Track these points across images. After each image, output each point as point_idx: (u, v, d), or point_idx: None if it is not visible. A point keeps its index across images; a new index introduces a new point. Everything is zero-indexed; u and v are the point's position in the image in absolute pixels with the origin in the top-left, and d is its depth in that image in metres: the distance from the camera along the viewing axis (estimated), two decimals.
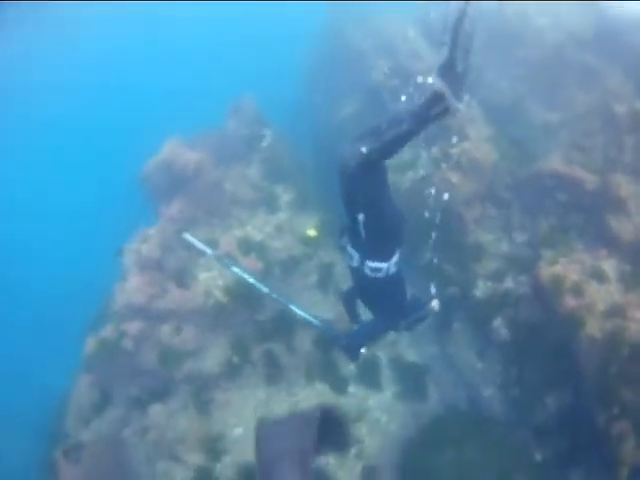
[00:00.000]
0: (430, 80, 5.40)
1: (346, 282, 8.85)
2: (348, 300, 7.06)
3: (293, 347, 9.78)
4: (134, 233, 10.39)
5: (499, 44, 10.91)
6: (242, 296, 9.62)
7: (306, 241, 10.54)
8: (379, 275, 5.81)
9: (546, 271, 8.67)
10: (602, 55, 10.28)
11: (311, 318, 7.32)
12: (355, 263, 5.83)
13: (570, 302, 8.27)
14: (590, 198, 9.05)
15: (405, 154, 10.15)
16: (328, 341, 7.90)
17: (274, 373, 9.60)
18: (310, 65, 15.28)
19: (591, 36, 10.49)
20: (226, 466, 8.88)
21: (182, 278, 9.80)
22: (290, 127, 13.40)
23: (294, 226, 10.84)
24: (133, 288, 9.58)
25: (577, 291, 8.34)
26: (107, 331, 9.55)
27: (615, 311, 8.13)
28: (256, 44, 18.32)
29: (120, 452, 9.53)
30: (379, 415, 9.60)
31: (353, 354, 6.92)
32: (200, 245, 7.56)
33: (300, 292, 10.24)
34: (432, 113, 4.75)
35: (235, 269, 7.45)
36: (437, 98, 4.82)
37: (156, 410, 9.29)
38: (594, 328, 8.08)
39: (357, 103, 12.38)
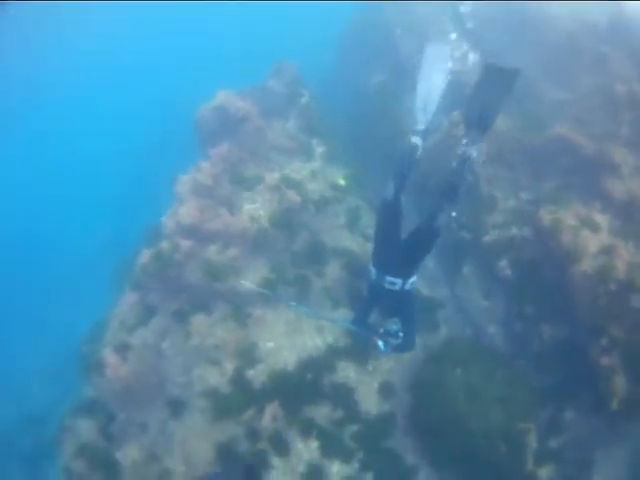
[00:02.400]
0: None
1: (370, 227, 11.01)
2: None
3: (323, 273, 11.46)
4: (188, 166, 12.06)
5: (518, 29, 12.84)
6: (281, 225, 11.34)
7: (336, 188, 12.28)
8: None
9: (547, 215, 10.50)
10: (614, 45, 11.99)
11: (357, 329, 9.79)
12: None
13: (567, 240, 10.10)
14: (588, 163, 10.87)
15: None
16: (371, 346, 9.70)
17: (304, 295, 11.21)
18: (347, 39, 17.10)
19: (606, 28, 12.19)
20: (259, 373, 10.38)
21: (230, 206, 11.46)
22: (325, 91, 15.16)
23: (326, 174, 12.58)
24: (187, 210, 11.20)
25: (573, 233, 10.15)
26: (162, 245, 11.10)
27: (605, 252, 9.94)
28: (299, 19, 20.52)
29: (159, 362, 10.97)
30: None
31: (409, 346, 9.33)
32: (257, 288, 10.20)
33: (330, 230, 12.00)
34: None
35: (292, 303, 10.19)
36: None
37: (198, 319, 10.79)
38: (586, 265, 9.90)
39: (384, 74, 14.31)
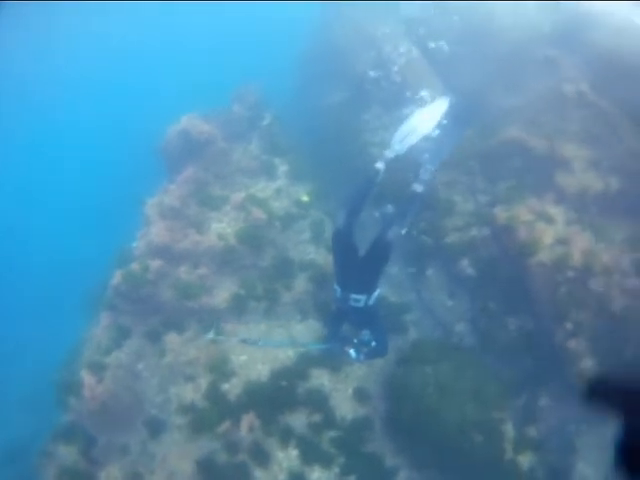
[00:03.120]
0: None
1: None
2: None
3: (292, 287, 11.99)
4: (156, 190, 12.76)
5: (469, 40, 13.52)
6: (248, 242, 11.91)
7: (300, 204, 12.86)
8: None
9: (502, 213, 11.12)
10: (563, 49, 12.65)
11: (328, 347, 10.30)
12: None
13: (522, 234, 10.68)
14: (540, 161, 11.52)
15: (385, 133, 12.93)
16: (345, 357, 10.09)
17: (274, 309, 11.78)
18: (305, 59, 17.72)
19: (554, 33, 12.89)
20: (234, 386, 10.85)
21: (198, 226, 12.08)
22: (288, 110, 15.76)
23: (290, 192, 13.17)
24: (156, 231, 11.83)
25: (528, 227, 10.75)
26: (133, 266, 11.64)
27: (561, 242, 10.57)
28: (258, 42, 21.40)
29: (135, 383, 11.41)
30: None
31: (382, 352, 9.86)
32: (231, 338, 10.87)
33: (295, 245, 12.57)
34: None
35: (261, 343, 10.79)
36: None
37: (172, 338, 11.31)
38: (543, 256, 10.48)
39: (343, 92, 14.86)
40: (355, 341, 9.70)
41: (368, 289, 9.39)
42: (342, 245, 9.40)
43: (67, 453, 11.39)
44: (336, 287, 9.51)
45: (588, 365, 10.26)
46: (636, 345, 10.28)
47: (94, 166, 20.37)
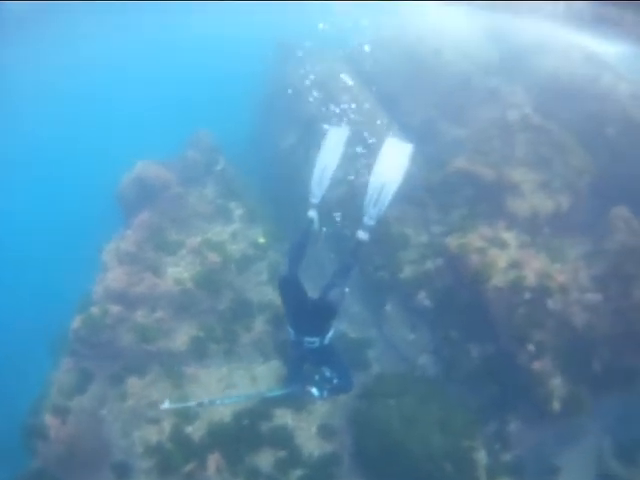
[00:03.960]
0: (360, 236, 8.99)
1: None
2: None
3: (251, 328, 12.23)
4: (112, 236, 13.09)
5: (415, 77, 14.30)
6: (205, 286, 12.18)
7: (257, 246, 13.19)
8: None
9: (454, 241, 11.51)
10: (505, 77, 13.61)
11: (286, 391, 10.06)
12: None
13: (474, 261, 11.05)
14: (490, 188, 12.02)
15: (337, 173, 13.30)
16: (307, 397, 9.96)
17: (234, 351, 11.97)
18: (258, 102, 18.44)
19: (496, 62, 13.83)
20: (197, 428, 10.96)
21: (154, 270, 12.33)
22: (242, 154, 16.30)
23: (246, 234, 13.52)
24: (113, 277, 12.09)
25: (480, 253, 11.12)
26: (92, 310, 11.79)
27: (514, 265, 10.92)
28: (211, 84, 22.13)
29: (99, 427, 11.41)
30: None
31: (348, 387, 9.70)
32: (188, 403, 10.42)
33: (253, 287, 12.82)
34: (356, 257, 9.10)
35: (218, 401, 10.50)
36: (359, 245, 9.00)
37: (133, 382, 11.39)
38: (498, 280, 10.81)
39: (296, 134, 15.36)
40: (317, 378, 9.72)
41: (320, 332, 9.45)
42: (290, 292, 9.49)
43: None
44: (290, 329, 9.62)
45: (557, 383, 10.55)
46: (602, 356, 10.64)
47: (51, 215, 20.75)
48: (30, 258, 19.59)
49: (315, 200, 9.47)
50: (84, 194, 18.29)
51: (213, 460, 10.52)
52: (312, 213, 9.44)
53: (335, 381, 9.54)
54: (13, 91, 22.88)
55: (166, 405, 10.01)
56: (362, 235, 8.91)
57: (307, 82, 14.91)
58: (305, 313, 9.00)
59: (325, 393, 9.61)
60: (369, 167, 12.70)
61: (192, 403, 10.12)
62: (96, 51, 23.29)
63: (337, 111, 13.78)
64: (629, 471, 11.13)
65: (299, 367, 10.07)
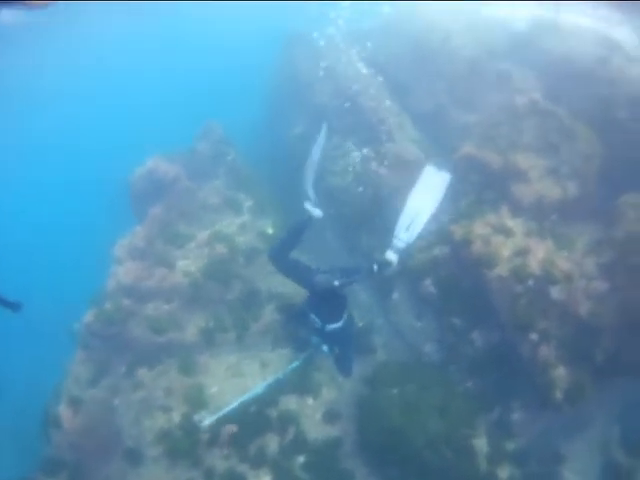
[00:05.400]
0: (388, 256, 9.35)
1: None
2: None
3: (259, 317, 12.97)
4: (122, 231, 13.89)
5: (424, 63, 14.46)
6: (214, 277, 12.95)
7: (265, 237, 13.82)
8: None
9: (459, 229, 11.79)
10: (516, 60, 13.54)
11: (303, 357, 11.01)
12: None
13: (478, 248, 11.30)
14: (497, 174, 12.19)
15: (346, 160, 13.81)
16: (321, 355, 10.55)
17: (244, 340, 12.73)
18: (269, 92, 19.00)
19: (505, 47, 13.72)
20: (203, 417, 11.59)
21: (164, 264, 13.13)
22: (251, 146, 16.97)
23: (255, 226, 14.19)
24: (124, 271, 12.97)
25: (484, 241, 11.37)
26: (104, 305, 12.75)
27: (519, 253, 11.13)
28: (223, 74, 22.83)
29: (112, 417, 12.39)
30: (336, 374, 12.22)
31: (347, 372, 10.40)
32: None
33: (262, 277, 13.43)
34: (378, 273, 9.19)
35: (246, 396, 11.20)
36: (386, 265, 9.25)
37: (143, 373, 12.29)
38: (501, 268, 11.04)
39: (305, 124, 15.86)
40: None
41: (338, 316, 9.86)
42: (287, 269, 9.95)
43: None
44: (314, 318, 9.59)
45: (561, 373, 10.79)
46: (607, 349, 10.80)
47: (67, 215, 21.81)
48: (47, 253, 20.76)
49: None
50: (97, 189, 19.17)
51: (227, 430, 11.47)
52: (308, 207, 9.84)
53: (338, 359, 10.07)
54: (19, 89, 23.85)
55: (206, 422, 10.94)
56: (391, 256, 9.34)
57: (317, 71, 15.26)
58: (319, 298, 9.36)
59: (332, 356, 9.98)
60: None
61: (226, 409, 11.01)
62: (108, 40, 24.01)
63: (347, 105, 14.22)
64: (635, 460, 11.33)
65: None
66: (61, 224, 21.46)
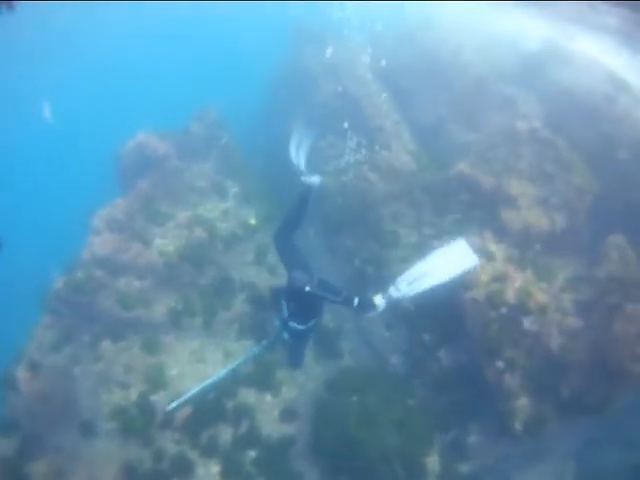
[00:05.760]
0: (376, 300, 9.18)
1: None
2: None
3: (230, 306, 12.93)
4: (105, 203, 13.73)
5: (431, 75, 14.44)
6: (189, 260, 12.87)
7: (247, 227, 13.79)
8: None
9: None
10: (522, 86, 13.61)
11: (255, 350, 11.13)
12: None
13: None
14: (487, 197, 12.18)
15: (339, 161, 13.74)
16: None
17: (210, 326, 12.70)
18: (271, 84, 18.87)
19: (514, 69, 13.71)
20: (162, 397, 11.67)
21: (141, 240, 13.04)
22: (248, 134, 16.97)
23: (238, 214, 14.15)
24: (100, 242, 12.86)
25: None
26: (75, 273, 12.67)
27: (497, 278, 11.13)
28: (226, 63, 22.87)
29: (70, 386, 12.26)
30: (298, 374, 12.38)
31: (297, 363, 10.58)
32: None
33: (238, 266, 13.50)
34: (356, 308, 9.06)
35: (209, 382, 11.15)
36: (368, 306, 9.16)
37: (106, 346, 12.23)
38: (477, 292, 11.05)
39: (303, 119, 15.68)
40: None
41: (306, 320, 9.88)
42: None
43: (3, 445, 12.17)
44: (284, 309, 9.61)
45: (523, 404, 10.81)
46: (573, 383, 10.74)
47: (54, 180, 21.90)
48: (29, 218, 20.76)
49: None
50: (88, 162, 19.13)
51: (181, 414, 11.46)
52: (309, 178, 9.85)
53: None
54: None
55: (173, 405, 10.88)
56: (379, 301, 9.23)
57: (321, 68, 15.21)
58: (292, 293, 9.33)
59: (289, 339, 9.91)
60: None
61: (190, 394, 11.04)
62: (116, 20, 24.16)
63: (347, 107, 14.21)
64: None
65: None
66: (48, 187, 21.61)
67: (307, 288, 8.63)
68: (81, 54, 26.22)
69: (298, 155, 10.39)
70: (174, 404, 11.13)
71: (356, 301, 8.82)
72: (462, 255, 9.86)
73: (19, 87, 25.68)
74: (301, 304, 9.14)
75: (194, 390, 11.12)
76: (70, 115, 24.47)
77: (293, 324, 9.28)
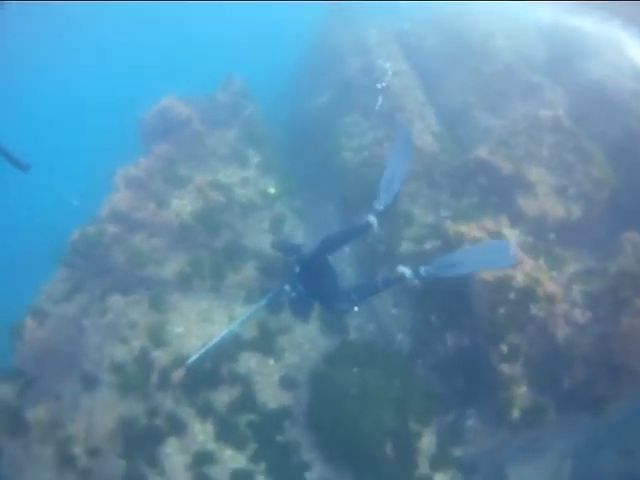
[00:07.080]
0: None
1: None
2: None
3: (240, 271, 13.20)
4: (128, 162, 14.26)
5: (462, 58, 14.79)
6: (204, 223, 13.22)
7: (265, 196, 14.16)
8: None
9: (454, 227, 11.88)
10: (550, 75, 13.90)
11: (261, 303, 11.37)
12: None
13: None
14: (506, 182, 12.38)
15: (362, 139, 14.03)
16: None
17: (219, 289, 13.01)
18: (302, 59, 19.43)
19: (544, 60, 14.09)
20: (164, 354, 11.93)
21: (159, 199, 13.48)
22: (272, 106, 17.36)
23: (258, 183, 14.53)
24: (119, 198, 13.38)
25: (475, 243, 11.45)
26: (91, 227, 13.15)
27: None
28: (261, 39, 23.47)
29: (76, 336, 12.83)
30: (303, 342, 12.73)
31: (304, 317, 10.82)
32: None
33: (253, 233, 13.85)
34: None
35: (220, 337, 11.56)
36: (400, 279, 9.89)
37: (115, 299, 12.62)
38: (487, 274, 11.05)
39: (330, 95, 16.15)
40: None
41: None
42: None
43: (5, 390, 12.65)
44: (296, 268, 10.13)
45: (523, 392, 10.88)
46: (575, 376, 10.83)
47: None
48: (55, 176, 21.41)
49: (379, 207, 10.16)
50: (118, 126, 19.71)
51: (178, 374, 11.62)
52: (372, 219, 10.21)
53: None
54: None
55: (193, 358, 11.22)
56: (404, 271, 9.90)
57: (351, 46, 15.48)
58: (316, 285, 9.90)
59: (292, 296, 10.30)
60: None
61: (204, 349, 11.43)
62: None
63: (379, 86, 14.39)
64: None
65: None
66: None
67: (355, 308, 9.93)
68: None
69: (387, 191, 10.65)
70: (194, 357, 11.47)
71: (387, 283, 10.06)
72: (502, 254, 10.01)
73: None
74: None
75: (211, 343, 11.45)
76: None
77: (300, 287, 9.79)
